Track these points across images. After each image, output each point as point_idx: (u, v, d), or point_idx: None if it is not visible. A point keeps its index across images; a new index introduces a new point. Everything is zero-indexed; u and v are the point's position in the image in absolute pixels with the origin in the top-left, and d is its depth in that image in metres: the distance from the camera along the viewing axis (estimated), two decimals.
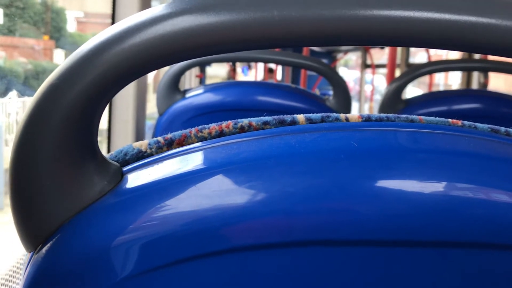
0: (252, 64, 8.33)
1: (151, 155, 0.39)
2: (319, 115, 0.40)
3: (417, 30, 0.31)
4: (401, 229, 0.33)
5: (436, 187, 0.34)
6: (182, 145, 0.39)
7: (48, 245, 0.34)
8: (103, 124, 1.49)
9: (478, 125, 0.40)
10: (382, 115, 0.40)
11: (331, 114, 0.40)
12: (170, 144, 0.39)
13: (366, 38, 0.32)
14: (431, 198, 0.33)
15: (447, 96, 1.42)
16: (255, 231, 0.33)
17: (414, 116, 0.40)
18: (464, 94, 1.50)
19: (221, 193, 0.34)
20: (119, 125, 1.44)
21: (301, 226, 0.33)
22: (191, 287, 0.34)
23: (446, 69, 1.45)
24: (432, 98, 1.40)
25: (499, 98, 1.35)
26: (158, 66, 0.33)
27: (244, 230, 0.33)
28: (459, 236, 0.33)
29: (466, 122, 0.40)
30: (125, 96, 1.43)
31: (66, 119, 0.32)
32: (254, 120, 0.40)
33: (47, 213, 0.34)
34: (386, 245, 0.33)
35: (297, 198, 0.33)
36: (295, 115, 0.40)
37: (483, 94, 1.48)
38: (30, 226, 0.34)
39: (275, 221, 0.33)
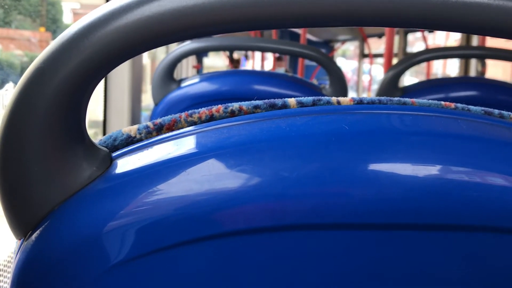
0: (250, 54, 8.30)
1: (140, 140, 0.38)
2: (310, 98, 0.40)
3: (407, 9, 0.31)
4: (393, 212, 0.33)
5: (428, 169, 0.33)
6: (172, 130, 0.39)
7: (38, 231, 0.34)
8: (98, 115, 1.49)
9: (472, 107, 0.40)
10: (374, 98, 0.40)
11: (322, 97, 0.40)
12: (159, 129, 0.39)
13: (353, 18, 0.31)
14: (424, 180, 0.33)
15: (444, 83, 1.41)
16: (247, 215, 0.33)
17: (407, 99, 0.40)
18: (461, 81, 1.49)
19: (212, 177, 0.33)
20: (115, 116, 1.43)
21: (293, 210, 0.33)
22: (183, 272, 0.33)
23: (443, 57, 1.44)
24: (429, 86, 1.40)
25: (496, 85, 1.34)
26: (145, 49, 0.32)
27: (235, 215, 0.33)
28: (451, 218, 0.33)
29: (459, 105, 0.40)
30: (121, 87, 1.42)
31: (52, 103, 0.32)
32: (245, 104, 0.39)
33: (36, 199, 0.34)
34: (379, 228, 0.33)
35: (288, 182, 0.33)
36: (286, 99, 0.40)
37: (481, 82, 1.47)
38: (19, 213, 0.34)
39: (267, 205, 0.33)
